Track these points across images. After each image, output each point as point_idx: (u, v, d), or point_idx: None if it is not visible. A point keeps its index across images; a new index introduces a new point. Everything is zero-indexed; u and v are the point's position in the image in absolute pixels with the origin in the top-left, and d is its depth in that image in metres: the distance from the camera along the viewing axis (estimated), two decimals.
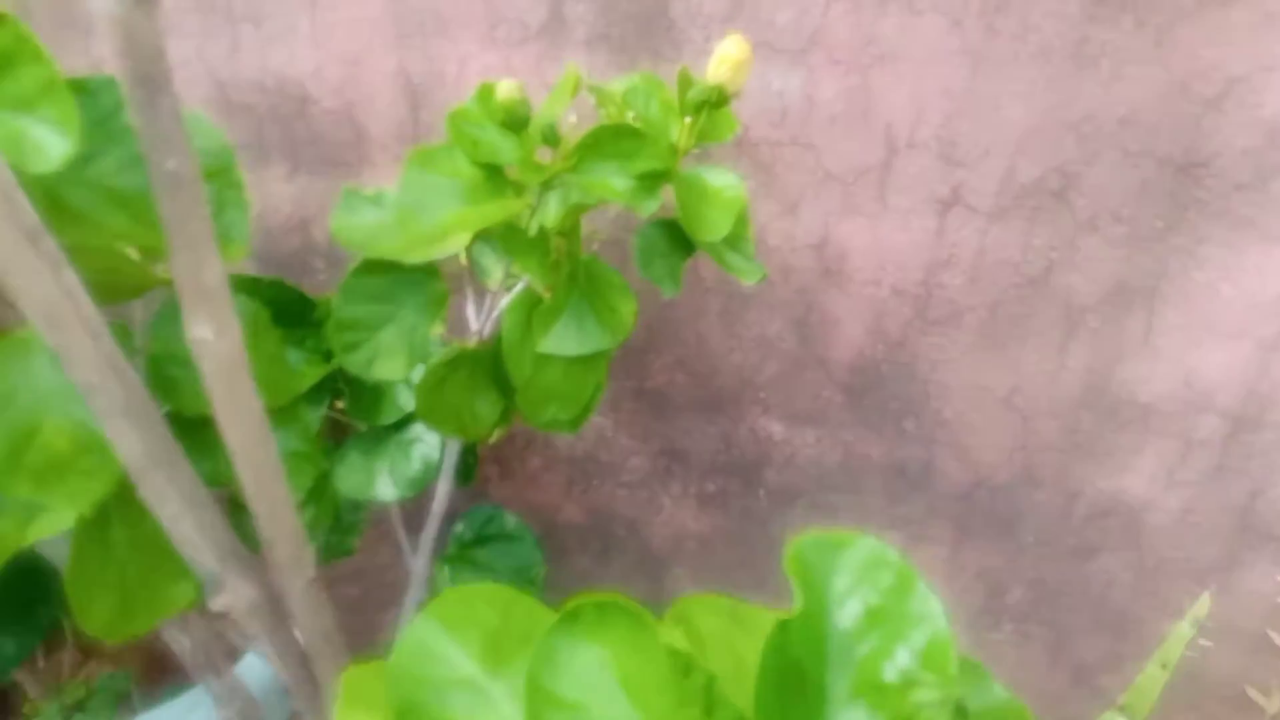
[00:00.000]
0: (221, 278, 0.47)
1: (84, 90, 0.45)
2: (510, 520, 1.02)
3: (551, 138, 0.58)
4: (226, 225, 0.53)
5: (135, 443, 0.49)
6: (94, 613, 0.56)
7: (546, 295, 0.64)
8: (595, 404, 0.72)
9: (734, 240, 0.76)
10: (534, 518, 1.11)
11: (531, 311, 0.64)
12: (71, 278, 0.43)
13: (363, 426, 0.84)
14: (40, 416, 0.50)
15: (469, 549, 1.00)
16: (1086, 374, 0.89)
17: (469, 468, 1.02)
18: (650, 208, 0.63)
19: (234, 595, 0.59)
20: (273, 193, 0.92)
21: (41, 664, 0.92)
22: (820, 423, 0.98)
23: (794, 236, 0.88)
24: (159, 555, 0.57)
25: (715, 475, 1.04)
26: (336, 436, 0.85)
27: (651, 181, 0.63)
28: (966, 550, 1.02)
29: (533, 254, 0.60)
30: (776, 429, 1.00)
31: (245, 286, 0.65)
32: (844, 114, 0.81)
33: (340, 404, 0.77)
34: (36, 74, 0.40)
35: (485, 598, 0.39)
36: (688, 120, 0.70)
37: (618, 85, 0.72)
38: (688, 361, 0.97)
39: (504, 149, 0.58)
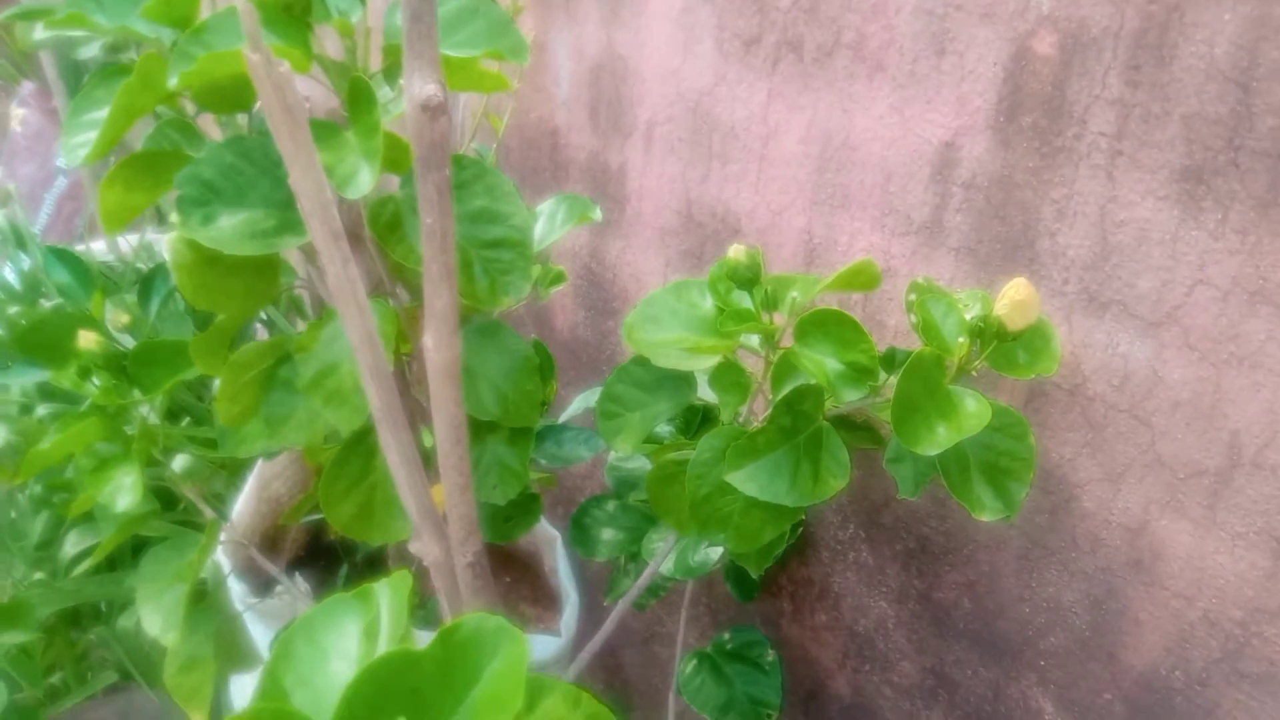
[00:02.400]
0: (452, 306, 0.64)
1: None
2: (771, 655, 1.07)
3: (770, 302, 0.66)
4: (507, 283, 0.71)
5: (376, 399, 0.69)
6: (338, 510, 0.78)
7: (747, 427, 0.71)
8: (775, 553, 0.76)
9: (996, 470, 0.75)
10: (808, 669, 1.13)
11: (731, 440, 0.72)
12: (354, 271, 0.64)
13: None
14: (341, 359, 0.72)
15: (723, 658, 1.07)
16: None
17: (749, 584, 1.09)
18: (851, 396, 0.67)
19: (425, 546, 0.76)
20: None
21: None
22: None
23: (1110, 510, 0.80)
24: (394, 492, 0.77)
25: None
26: None
27: (858, 374, 0.67)
28: None
29: (732, 390, 0.68)
30: (1048, 708, 0.90)
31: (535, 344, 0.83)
32: (1188, 403, 0.73)
33: None
34: (372, 121, 0.62)
35: None
36: (961, 340, 0.71)
37: (939, 293, 0.76)
38: (977, 589, 0.93)
39: (738, 294, 0.68)
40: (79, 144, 0.69)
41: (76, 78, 2.58)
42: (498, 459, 0.78)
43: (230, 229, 0.68)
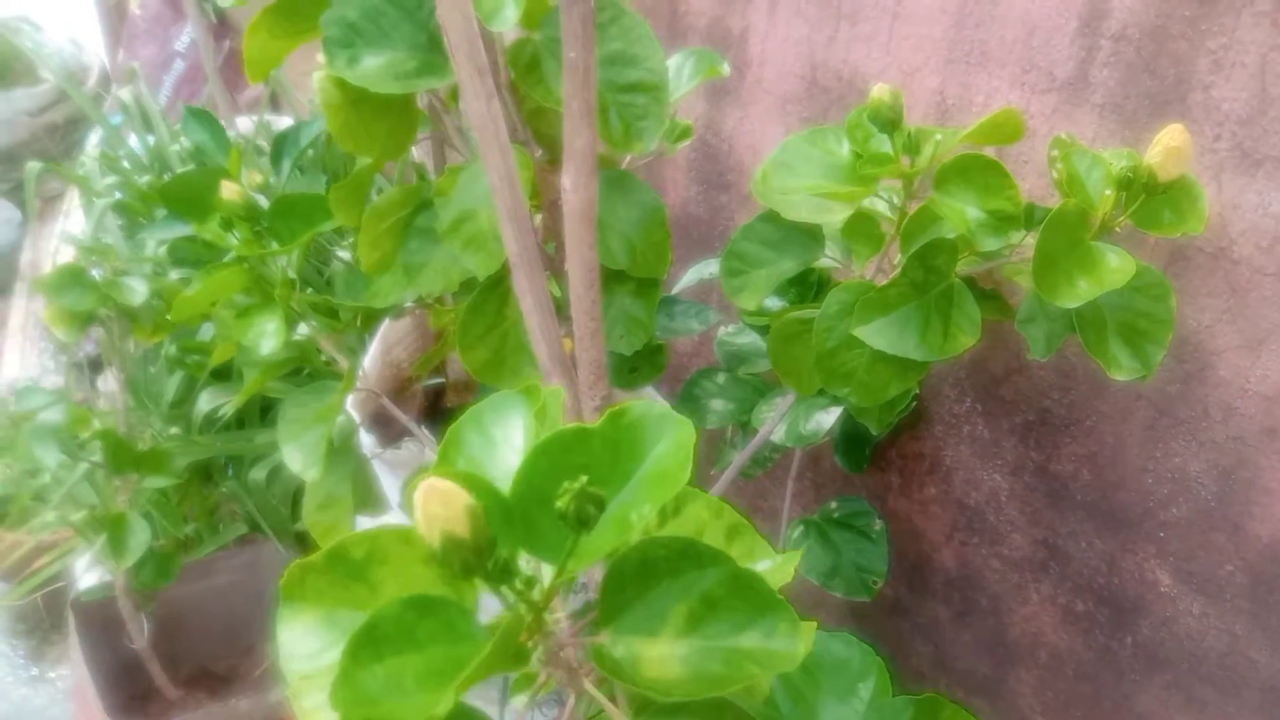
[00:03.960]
0: (591, 146, 0.65)
1: None
2: (878, 524, 1.08)
3: (911, 147, 0.65)
4: (641, 128, 0.71)
5: (513, 242, 0.70)
6: (472, 354, 0.81)
7: (877, 281, 0.71)
8: (899, 410, 0.76)
9: (1132, 331, 0.73)
10: (914, 543, 1.14)
11: (859, 295, 0.72)
12: (496, 108, 0.65)
13: None
14: (479, 205, 0.74)
15: (830, 525, 1.09)
16: None
17: (859, 456, 1.10)
18: (991, 245, 0.66)
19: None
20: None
21: None
22: (1214, 597, 0.86)
23: (1248, 377, 0.78)
24: (527, 338, 0.80)
25: (1089, 595, 0.97)
26: None
27: (1001, 222, 0.66)
28: None
29: (865, 242, 0.68)
30: (1165, 579, 0.90)
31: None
32: None
33: None
34: None
35: None
36: (1108, 192, 0.70)
37: (1083, 148, 0.74)
38: (1098, 461, 0.92)
39: (876, 139, 0.67)
40: None
41: None
42: (624, 310, 0.79)
43: (375, 69, 0.69)
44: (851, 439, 1.08)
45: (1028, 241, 0.74)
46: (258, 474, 1.35)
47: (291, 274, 0.95)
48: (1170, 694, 0.92)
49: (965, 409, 1.04)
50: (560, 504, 0.35)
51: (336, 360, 0.98)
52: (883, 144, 0.69)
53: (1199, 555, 0.86)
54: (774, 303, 1.03)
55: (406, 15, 0.71)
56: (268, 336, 0.87)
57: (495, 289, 0.79)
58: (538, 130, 0.79)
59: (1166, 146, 0.66)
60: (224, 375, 1.44)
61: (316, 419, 0.90)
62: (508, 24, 0.63)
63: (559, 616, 0.42)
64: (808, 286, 0.97)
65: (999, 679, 1.11)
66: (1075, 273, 0.68)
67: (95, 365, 1.93)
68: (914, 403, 1.06)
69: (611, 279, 0.80)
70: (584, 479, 0.34)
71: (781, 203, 0.73)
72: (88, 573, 1.50)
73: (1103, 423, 0.91)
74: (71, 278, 1.13)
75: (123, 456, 1.17)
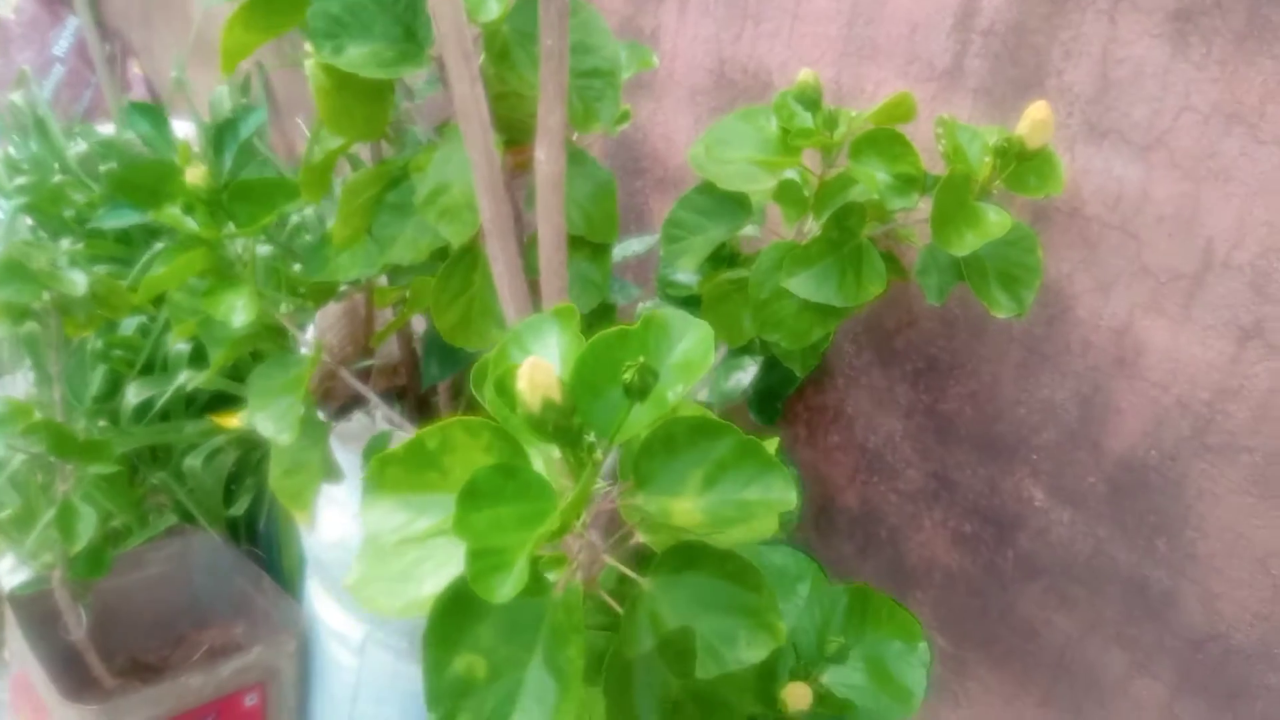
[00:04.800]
0: (562, 123, 0.75)
1: None
2: (791, 470, 1.20)
3: (831, 121, 0.78)
4: (599, 108, 0.81)
5: (488, 210, 0.79)
6: (444, 317, 0.89)
7: (800, 241, 0.83)
8: (820, 351, 0.89)
9: (1008, 278, 0.88)
10: (820, 488, 1.28)
11: (787, 252, 0.84)
12: (479, 90, 0.74)
13: None
14: (453, 179, 0.83)
15: None
16: None
17: (772, 410, 1.22)
18: (898, 204, 0.80)
19: None
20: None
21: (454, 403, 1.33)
22: (1079, 506, 1.02)
23: (1100, 315, 0.94)
24: (493, 301, 0.89)
25: (974, 517, 1.12)
26: None
27: (906, 183, 0.79)
28: (1185, 703, 0.98)
29: (793, 205, 0.80)
30: (1039, 496, 1.05)
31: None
32: (1171, 216, 0.87)
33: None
34: None
35: None
36: (987, 160, 0.84)
37: (963, 126, 0.88)
38: (979, 398, 1.07)
39: (800, 116, 0.79)
40: None
41: None
42: (581, 272, 0.89)
43: (359, 57, 0.77)
44: (764, 395, 1.21)
45: (920, 207, 0.88)
46: (193, 461, 1.38)
47: (255, 253, 1.02)
48: (1047, 596, 1.08)
49: (863, 362, 1.18)
50: (626, 377, 0.45)
51: (294, 335, 1.04)
52: (806, 120, 0.81)
53: (1066, 471, 1.02)
54: (687, 278, 1.15)
55: (384, 9, 0.79)
56: (238, 311, 0.93)
57: (464, 258, 0.88)
58: (499, 114, 0.88)
59: (1033, 120, 0.80)
60: (148, 370, 1.47)
61: (284, 389, 0.97)
62: (491, 14, 0.73)
63: (602, 484, 0.52)
64: (721, 259, 1.09)
65: (900, 602, 1.25)
66: (963, 227, 0.82)
67: None
68: (819, 360, 1.19)
69: (569, 244, 0.89)
70: (642, 358, 0.45)
71: (718, 173, 0.85)
72: (11, 573, 1.50)
73: (982, 364, 1.06)
74: (14, 270, 1.16)
75: (66, 445, 1.20)
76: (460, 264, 0.88)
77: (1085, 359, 0.97)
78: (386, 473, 0.51)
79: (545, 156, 0.76)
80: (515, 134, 0.84)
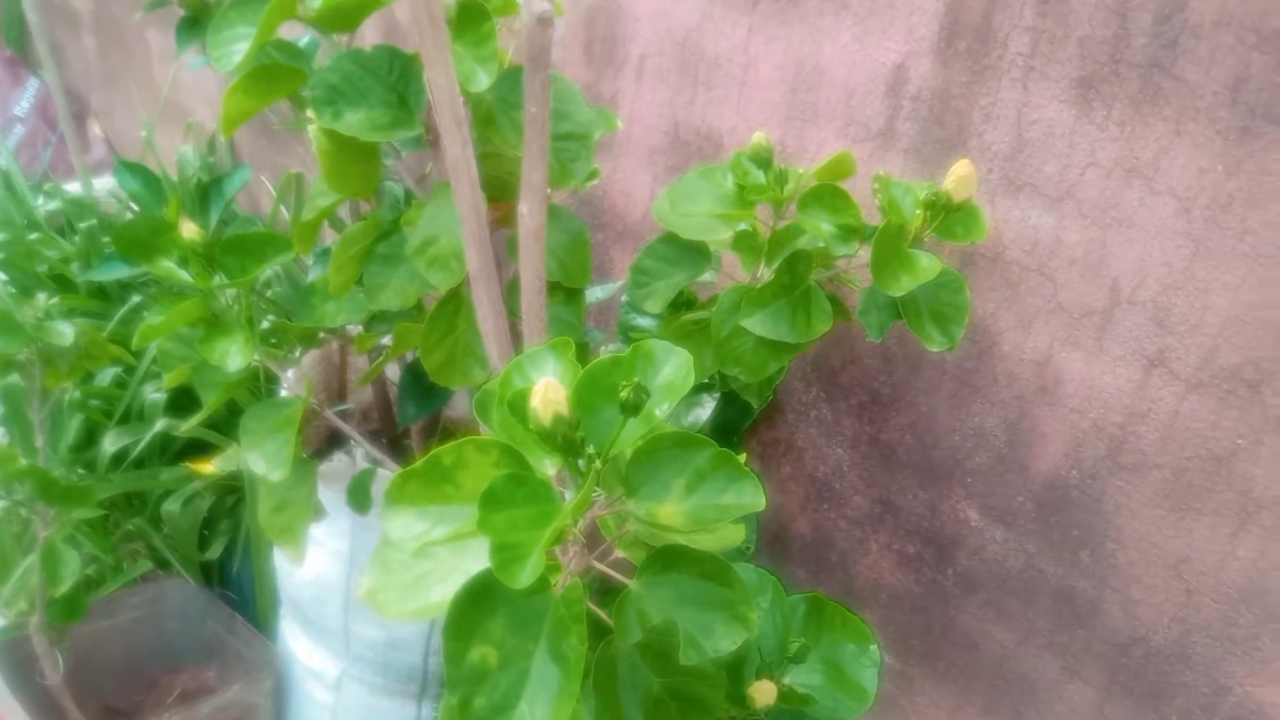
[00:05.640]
0: (544, 181, 0.84)
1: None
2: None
3: (782, 179, 0.87)
4: (573, 166, 0.90)
5: (475, 259, 0.87)
6: (431, 358, 0.97)
7: (755, 285, 0.92)
8: (775, 384, 0.98)
9: (940, 316, 0.98)
10: (773, 516, 1.36)
11: (744, 295, 0.93)
12: (469, 151, 0.82)
13: None
14: (441, 232, 0.91)
15: None
16: (1253, 569, 0.94)
17: (729, 443, 1.31)
18: (841, 251, 0.89)
19: None
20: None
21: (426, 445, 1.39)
22: (1010, 525, 1.11)
23: (1022, 349, 1.05)
24: (476, 343, 0.96)
25: (916, 539, 1.21)
26: None
27: (847, 233, 0.89)
28: (1113, 704, 1.07)
29: (749, 253, 0.89)
30: (974, 516, 1.15)
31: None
32: (1082, 259, 0.98)
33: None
34: (486, 30, 0.81)
35: None
36: (919, 212, 0.94)
37: (897, 181, 0.99)
38: (918, 427, 1.17)
39: (753, 173, 0.89)
40: (230, 52, 0.85)
41: (20, 30, 2.62)
42: (557, 314, 0.97)
43: (356, 122, 0.86)
44: (721, 429, 1.29)
45: (860, 254, 0.98)
46: (171, 506, 1.42)
47: (246, 303, 1.08)
48: (985, 610, 1.17)
49: (812, 397, 1.27)
50: (623, 395, 0.53)
51: (279, 377, 1.11)
52: (759, 177, 0.91)
53: (997, 492, 1.12)
54: (647, 322, 1.23)
55: (378, 79, 0.88)
56: (233, 355, 1.00)
57: (449, 303, 0.96)
58: (481, 173, 0.97)
59: (958, 176, 0.91)
60: (124, 419, 1.51)
61: (275, 429, 1.03)
62: (482, 85, 0.81)
63: (597, 492, 0.59)
64: (680, 303, 1.18)
65: None
66: (899, 271, 0.92)
67: None
68: (772, 395, 1.28)
69: (547, 289, 0.98)
70: (637, 379, 0.53)
71: (680, 224, 0.94)
72: None
73: (919, 397, 1.16)
74: (2, 323, 1.21)
75: (51, 491, 1.24)
76: (445, 309, 0.95)
77: (1010, 389, 1.07)
78: (406, 487, 0.59)
79: (528, 210, 0.84)
80: (495, 190, 0.93)
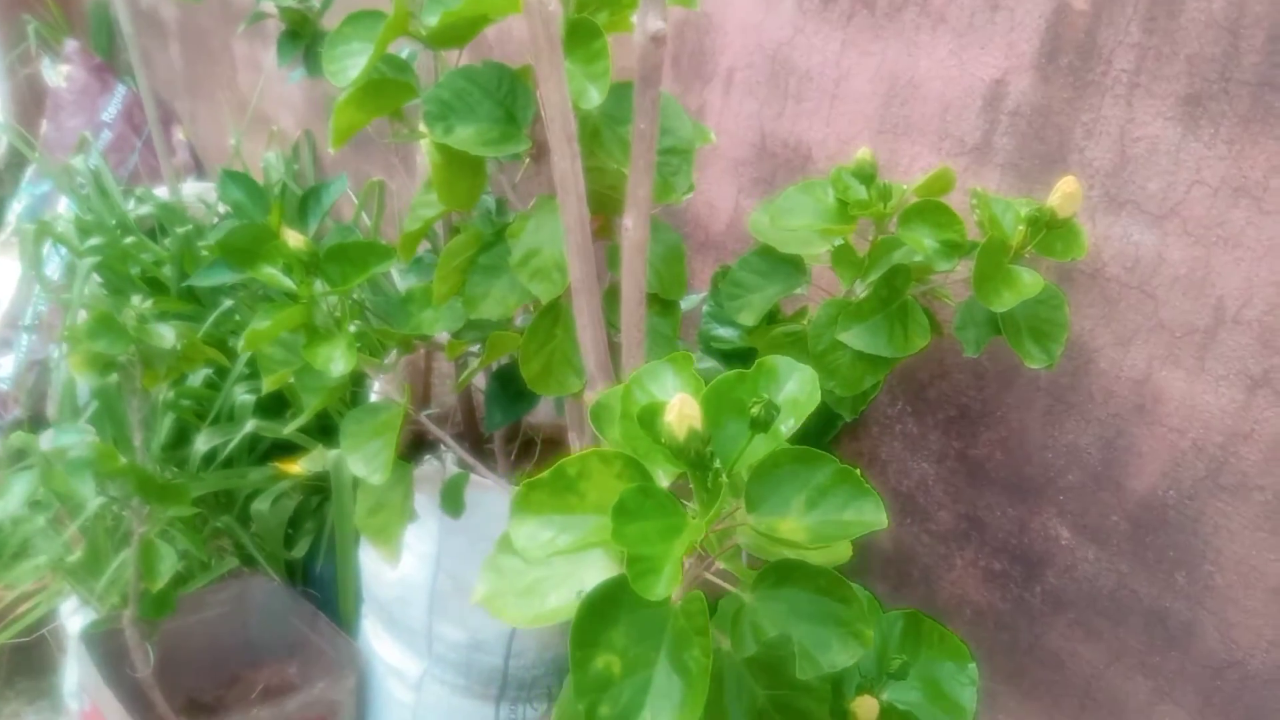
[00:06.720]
0: (649, 195, 0.85)
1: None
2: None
3: (885, 194, 0.87)
4: (674, 180, 0.91)
5: (576, 270, 0.89)
6: (529, 366, 0.99)
7: (853, 298, 0.92)
8: (870, 398, 0.98)
9: (1039, 333, 0.97)
10: None
11: (842, 309, 0.93)
12: (578, 165, 0.83)
13: None
14: (544, 244, 0.92)
15: None
16: None
17: None
18: (943, 266, 0.89)
19: (597, 395, 0.96)
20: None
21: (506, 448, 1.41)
22: (1103, 544, 1.10)
23: (1121, 367, 1.04)
24: (573, 352, 0.98)
25: (1004, 556, 1.20)
26: None
27: (950, 248, 0.88)
28: None
29: (848, 267, 0.89)
30: (1065, 534, 1.14)
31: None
32: (1185, 277, 0.97)
33: None
34: (598, 47, 0.82)
35: None
36: (1020, 228, 0.94)
37: (995, 197, 0.99)
38: (1009, 443, 1.16)
39: (855, 189, 0.89)
40: (346, 67, 0.88)
41: (109, 39, 2.70)
42: (653, 326, 0.98)
43: (467, 137, 0.87)
44: (806, 440, 1.29)
45: (958, 269, 0.98)
46: (260, 505, 1.46)
47: (348, 309, 1.11)
48: (1074, 629, 1.16)
49: (897, 411, 1.27)
50: (754, 411, 0.53)
51: (367, 381, 1.13)
52: (861, 192, 0.91)
53: (1091, 511, 1.11)
54: (729, 333, 1.24)
55: (487, 95, 0.89)
56: (337, 361, 1.02)
57: (548, 314, 0.97)
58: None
59: (1063, 193, 0.90)
60: (215, 420, 1.55)
61: (374, 433, 1.06)
62: (593, 103, 0.83)
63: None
64: (768, 318, 1.18)
65: None
66: (1001, 287, 0.91)
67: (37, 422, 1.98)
68: (867, 405, 1.28)
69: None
70: (766, 396, 0.53)
71: (778, 238, 0.95)
72: (72, 615, 1.56)
73: (1010, 412, 1.15)
74: (106, 324, 1.25)
75: (149, 488, 1.28)
76: (544, 320, 0.97)
77: (1107, 406, 1.06)
78: (532, 496, 0.60)
79: (633, 224, 0.86)
80: (596, 204, 0.94)
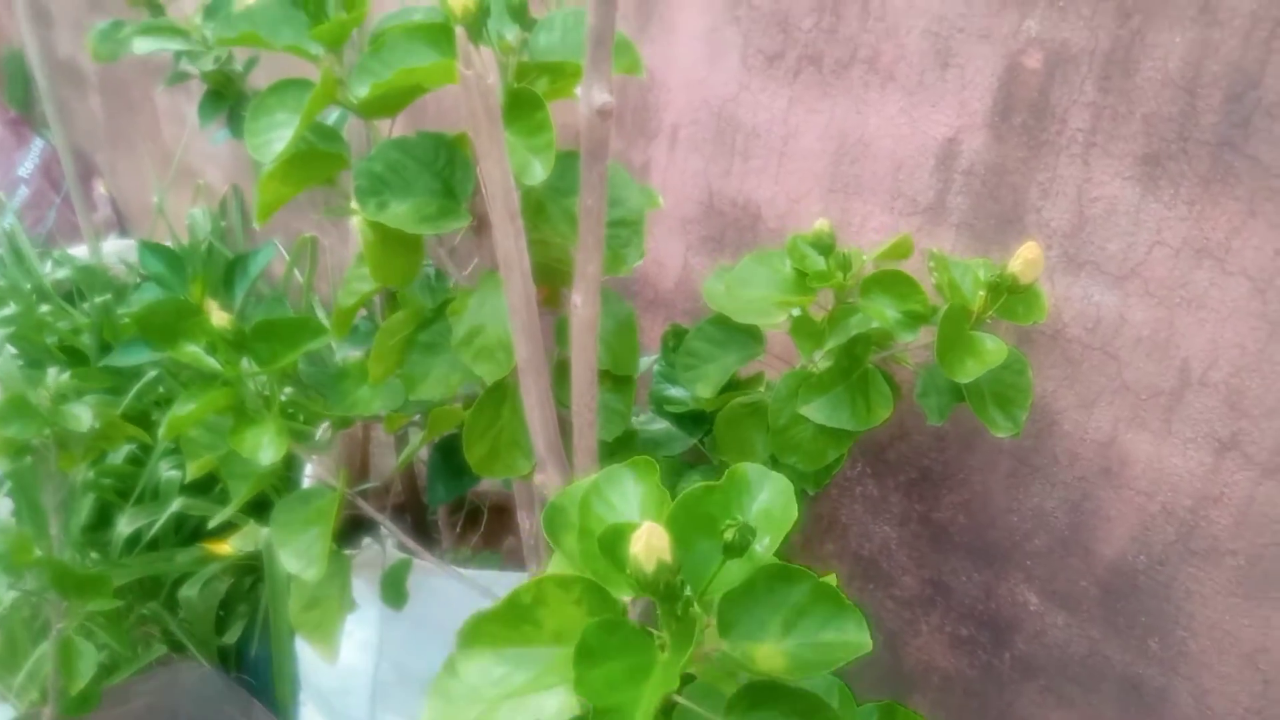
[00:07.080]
0: (599, 272, 0.80)
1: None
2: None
3: (845, 264, 0.84)
4: (624, 253, 0.87)
5: (523, 349, 0.83)
6: (474, 450, 0.93)
7: (812, 369, 0.88)
8: (834, 471, 0.94)
9: (1003, 399, 0.94)
10: None
11: (802, 381, 0.89)
12: (522, 244, 0.79)
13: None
14: (487, 321, 0.87)
15: None
16: None
17: None
18: (906, 337, 0.86)
19: (547, 477, 0.91)
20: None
21: (451, 519, 1.35)
22: (1073, 610, 1.07)
23: (1085, 429, 1.01)
24: (521, 434, 0.92)
25: (970, 621, 1.17)
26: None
27: (913, 319, 0.85)
28: None
29: (808, 338, 0.85)
30: (1033, 600, 1.10)
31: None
32: (1148, 339, 0.94)
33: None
34: (540, 119, 0.77)
35: None
36: (981, 293, 0.91)
37: (955, 260, 0.95)
38: (971, 506, 1.12)
39: (813, 259, 0.85)
40: (270, 140, 0.82)
41: (24, 90, 2.60)
42: (605, 402, 0.93)
43: (402, 213, 0.82)
44: None
45: (920, 335, 0.94)
46: (189, 591, 1.37)
47: (277, 391, 1.04)
48: (1044, 696, 1.12)
49: (857, 473, 1.23)
50: (727, 537, 0.49)
51: (306, 464, 1.06)
52: (819, 263, 0.87)
53: (1059, 576, 1.07)
54: (681, 394, 1.19)
55: (423, 167, 0.84)
56: (265, 448, 0.95)
57: (494, 394, 0.92)
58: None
59: (1025, 259, 0.87)
60: (139, 499, 1.46)
61: (307, 523, 0.99)
62: (537, 179, 0.78)
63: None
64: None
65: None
66: (965, 355, 0.88)
67: None
68: (830, 479, 1.24)
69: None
70: (741, 518, 0.49)
71: (734, 308, 0.90)
72: None
73: (973, 475, 1.12)
74: (18, 407, 1.16)
75: (67, 582, 1.19)
76: (489, 401, 0.91)
77: (1072, 469, 1.03)
78: (483, 628, 0.54)
79: (582, 302, 0.81)
80: (541, 276, 0.89)
